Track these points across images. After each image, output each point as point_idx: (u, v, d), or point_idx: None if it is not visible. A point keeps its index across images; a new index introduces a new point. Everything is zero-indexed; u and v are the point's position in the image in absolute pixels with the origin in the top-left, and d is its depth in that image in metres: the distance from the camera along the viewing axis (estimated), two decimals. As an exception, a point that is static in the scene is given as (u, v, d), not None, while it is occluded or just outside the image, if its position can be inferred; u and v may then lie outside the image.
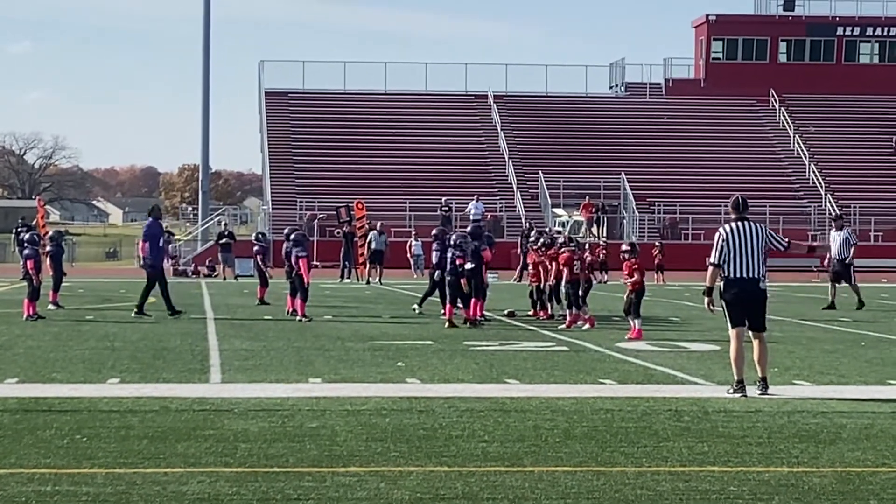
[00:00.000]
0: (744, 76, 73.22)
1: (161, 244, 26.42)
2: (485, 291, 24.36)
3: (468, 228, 26.24)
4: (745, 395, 13.93)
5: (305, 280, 24.95)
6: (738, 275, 14.23)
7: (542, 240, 25.95)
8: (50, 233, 29.53)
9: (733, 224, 14.37)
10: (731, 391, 14.14)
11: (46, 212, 70.56)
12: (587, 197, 60.75)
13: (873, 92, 73.39)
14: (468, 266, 23.78)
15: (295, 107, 71.03)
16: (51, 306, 27.16)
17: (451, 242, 23.89)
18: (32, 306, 24.67)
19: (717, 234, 14.49)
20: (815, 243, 15.41)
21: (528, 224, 47.82)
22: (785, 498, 8.82)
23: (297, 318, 24.71)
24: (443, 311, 25.31)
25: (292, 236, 25.63)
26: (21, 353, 18.21)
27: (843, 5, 75.49)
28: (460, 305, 23.63)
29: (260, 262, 30.54)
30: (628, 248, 22.22)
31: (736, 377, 14.16)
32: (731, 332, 14.36)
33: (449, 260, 23.71)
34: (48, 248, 28.13)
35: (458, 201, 59.42)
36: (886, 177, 68.07)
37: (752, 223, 14.42)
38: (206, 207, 67.21)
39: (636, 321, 21.30)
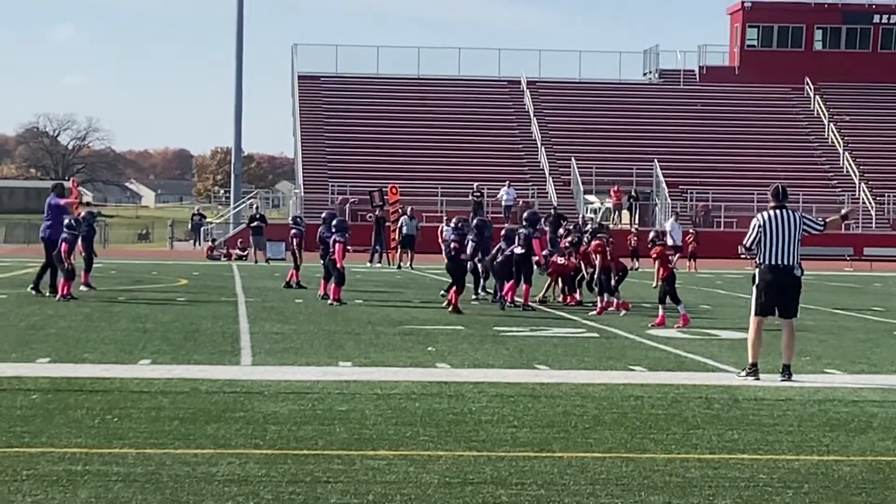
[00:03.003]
0: (779, 64, 72.87)
1: (64, 221, 26.69)
2: (530, 278, 24.49)
3: (525, 214, 26.26)
4: (759, 378, 14.13)
5: (339, 264, 25.00)
6: (773, 262, 14.38)
7: (570, 237, 26.14)
8: (82, 213, 29.66)
9: (771, 212, 14.50)
10: (744, 374, 14.37)
11: (80, 193, 70.88)
12: (616, 184, 60.64)
13: (909, 81, 72.97)
14: (518, 251, 24.07)
15: (328, 91, 71.08)
16: (83, 287, 27.29)
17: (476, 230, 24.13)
18: (67, 286, 24.80)
19: (753, 220, 14.63)
20: (844, 210, 15.43)
21: (552, 211, 47.71)
22: (814, 486, 8.80)
23: (329, 301, 24.76)
24: (474, 297, 25.43)
25: (334, 222, 25.69)
26: (53, 333, 18.31)
27: (880, -7, 75.11)
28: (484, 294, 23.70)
29: (295, 246, 30.61)
30: (654, 235, 22.38)
31: (750, 360, 14.41)
32: (753, 318, 14.56)
33: (452, 245, 23.84)
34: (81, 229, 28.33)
35: (490, 187, 59.38)
36: (921, 166, 67.66)
37: (789, 211, 14.56)
38: (238, 190, 67.45)
39: (679, 307, 21.28)
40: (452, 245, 23.66)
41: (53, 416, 11.02)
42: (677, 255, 44.22)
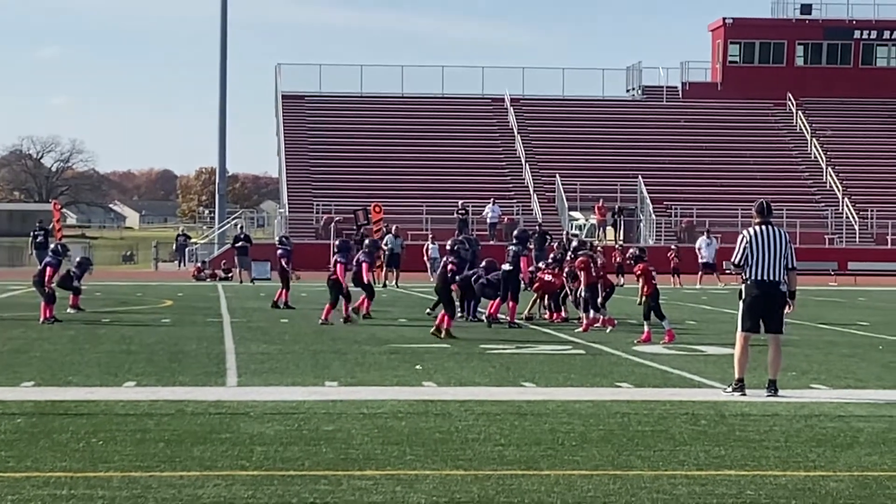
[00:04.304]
0: (761, 80, 73.06)
1: None
2: (517, 296, 24.50)
3: (514, 232, 26.28)
4: (745, 394, 14.18)
5: (344, 285, 25.15)
6: (759, 277, 14.41)
7: (553, 254, 26.25)
8: (79, 259, 29.64)
9: (757, 227, 14.54)
10: (730, 390, 14.41)
11: (63, 215, 70.64)
12: (601, 199, 60.70)
13: (890, 95, 73.21)
14: (506, 267, 24.15)
15: (311, 110, 71.09)
16: (70, 310, 27.23)
17: (452, 249, 23.93)
18: (49, 309, 24.75)
19: (740, 236, 14.67)
20: (794, 289, 14.97)
21: (537, 228, 47.80)
22: (802, 502, 8.80)
23: (320, 321, 24.70)
24: (460, 314, 25.36)
25: (336, 243, 26.07)
26: (38, 356, 18.25)
27: (861, 9, 75.27)
28: (469, 312, 23.62)
29: (284, 266, 30.56)
30: (634, 254, 22.37)
31: (737, 376, 14.45)
32: (739, 334, 14.61)
33: (441, 265, 23.64)
34: (77, 262, 28.79)
35: (475, 204, 59.40)
36: (904, 180, 67.86)
37: (775, 228, 14.59)
38: (222, 210, 67.33)
39: (664, 323, 21.29)
40: (450, 268, 23.17)
41: (38, 439, 10.97)
42: (701, 273, 44.95)
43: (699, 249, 46.32)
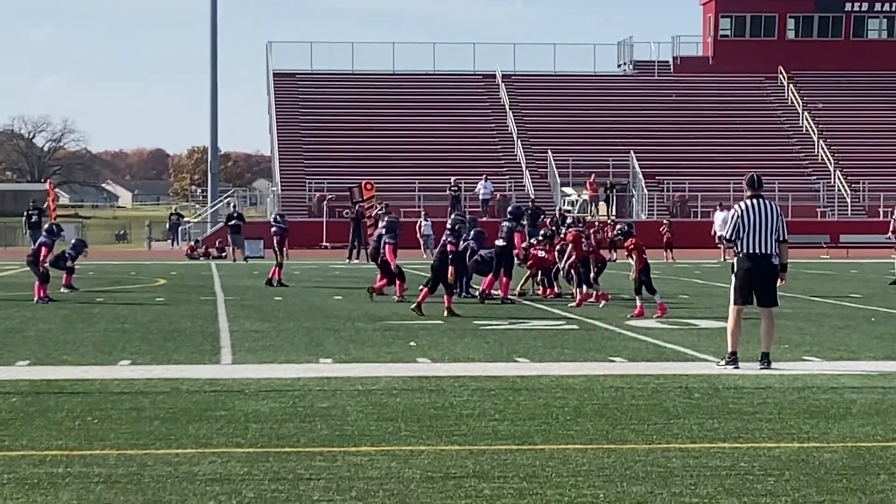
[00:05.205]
0: (752, 53, 73.00)
1: None
2: (510, 271, 24.57)
3: (509, 208, 26.31)
4: (738, 367, 14.20)
5: (392, 264, 25.27)
6: (751, 250, 14.43)
7: (542, 231, 26.33)
8: (74, 241, 29.63)
9: (748, 201, 14.54)
10: (723, 363, 14.43)
11: (57, 195, 70.55)
12: (592, 175, 60.67)
13: (882, 68, 73.15)
14: (500, 243, 24.21)
15: (303, 88, 70.97)
16: (64, 289, 27.21)
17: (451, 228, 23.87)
18: (43, 289, 24.76)
19: (731, 211, 14.70)
20: (786, 261, 14.95)
21: (529, 205, 47.75)
22: (795, 473, 8.83)
23: (396, 298, 24.83)
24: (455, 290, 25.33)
25: (382, 223, 26.34)
26: (32, 335, 18.26)
27: (852, -19, 75.21)
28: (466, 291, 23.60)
29: (276, 244, 30.65)
30: (622, 229, 22.38)
31: (730, 349, 14.47)
32: (732, 308, 14.62)
33: (441, 244, 23.55)
34: (72, 244, 28.86)
35: (468, 181, 59.39)
36: (895, 152, 67.86)
37: (766, 201, 14.61)
38: (215, 189, 67.33)
39: (654, 297, 21.29)
40: (449, 248, 22.91)
41: (33, 418, 10.99)
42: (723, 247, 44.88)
43: (715, 223, 46.14)
